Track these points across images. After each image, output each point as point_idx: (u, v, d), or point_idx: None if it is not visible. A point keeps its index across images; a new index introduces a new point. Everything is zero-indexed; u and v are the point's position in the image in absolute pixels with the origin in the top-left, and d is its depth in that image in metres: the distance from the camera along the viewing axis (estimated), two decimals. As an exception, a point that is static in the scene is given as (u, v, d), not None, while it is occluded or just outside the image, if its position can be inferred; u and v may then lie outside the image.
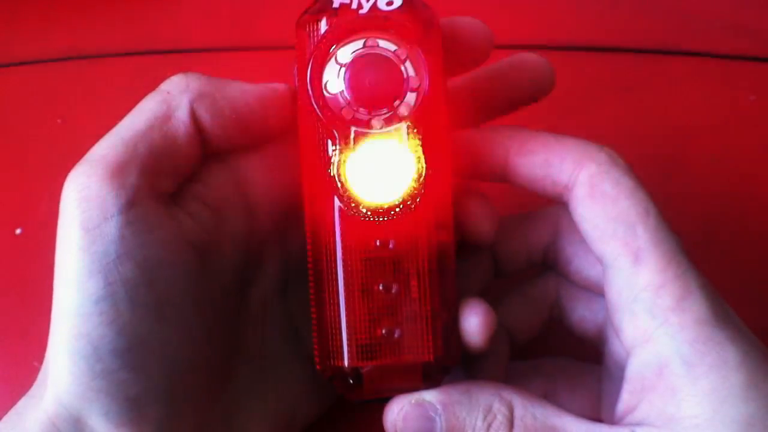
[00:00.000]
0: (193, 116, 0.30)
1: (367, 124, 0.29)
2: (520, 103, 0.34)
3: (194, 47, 0.48)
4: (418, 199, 0.29)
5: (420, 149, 0.29)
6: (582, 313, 0.35)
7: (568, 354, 0.36)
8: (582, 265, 0.34)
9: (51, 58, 0.47)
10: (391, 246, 0.30)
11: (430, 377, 0.31)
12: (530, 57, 0.33)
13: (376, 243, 0.30)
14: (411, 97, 0.29)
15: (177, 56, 0.47)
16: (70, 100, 0.46)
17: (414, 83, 0.29)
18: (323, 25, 0.29)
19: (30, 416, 0.28)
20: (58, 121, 0.45)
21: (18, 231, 0.42)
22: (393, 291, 0.30)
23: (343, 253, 0.30)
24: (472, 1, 0.47)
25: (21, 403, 0.30)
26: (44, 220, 0.42)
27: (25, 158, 0.45)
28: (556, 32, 0.48)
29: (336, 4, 0.29)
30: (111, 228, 0.27)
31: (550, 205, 0.34)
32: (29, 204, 0.43)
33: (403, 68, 0.29)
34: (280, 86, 0.31)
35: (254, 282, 0.33)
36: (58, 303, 0.28)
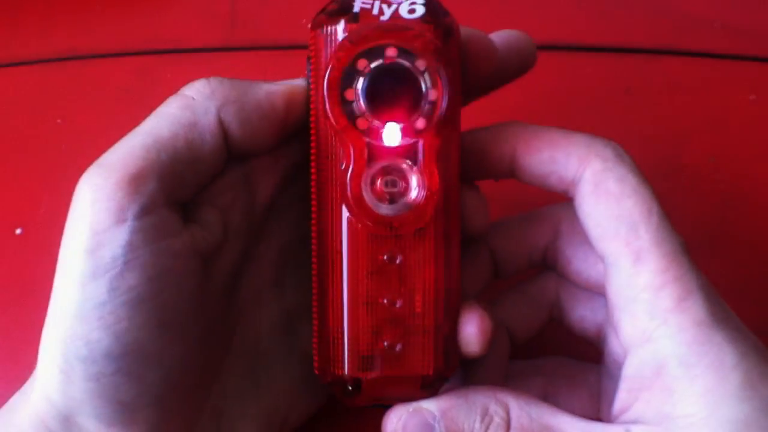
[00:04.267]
0: (220, 124, 0.29)
1: (382, 136, 0.28)
2: (506, 79, 0.33)
3: (195, 47, 0.47)
4: (428, 216, 0.29)
5: (434, 164, 0.28)
6: (582, 313, 0.35)
7: (567, 353, 0.36)
8: (582, 265, 0.34)
9: (51, 58, 0.47)
10: (398, 261, 0.29)
11: (428, 387, 0.30)
12: (512, 34, 0.32)
13: (383, 258, 0.29)
14: (428, 111, 0.28)
15: (177, 56, 0.47)
16: (70, 100, 0.46)
17: (432, 97, 0.28)
18: (341, 29, 0.28)
19: (22, 412, 0.28)
20: (58, 121, 0.45)
21: (18, 231, 0.42)
22: (397, 305, 0.29)
23: (350, 266, 0.29)
24: (473, 1, 0.48)
25: (14, 399, 0.30)
26: (44, 220, 0.42)
27: (25, 158, 0.45)
28: (556, 32, 0.48)
29: (356, 9, 0.28)
30: (122, 233, 0.27)
31: (551, 204, 0.34)
32: (29, 204, 0.43)
33: (421, 81, 0.28)
34: (300, 83, 0.31)
35: (248, 278, 0.33)
36: (56, 302, 0.28)
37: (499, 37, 0.32)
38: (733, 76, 0.46)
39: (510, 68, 0.33)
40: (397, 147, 0.28)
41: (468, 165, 0.32)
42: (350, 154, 0.28)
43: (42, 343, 0.28)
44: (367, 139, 0.28)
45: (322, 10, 0.29)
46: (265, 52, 0.47)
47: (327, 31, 0.29)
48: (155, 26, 0.49)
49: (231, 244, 0.31)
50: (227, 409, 0.32)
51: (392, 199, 0.29)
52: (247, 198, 0.31)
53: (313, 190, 0.30)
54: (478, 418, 0.30)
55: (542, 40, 0.47)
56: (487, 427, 0.29)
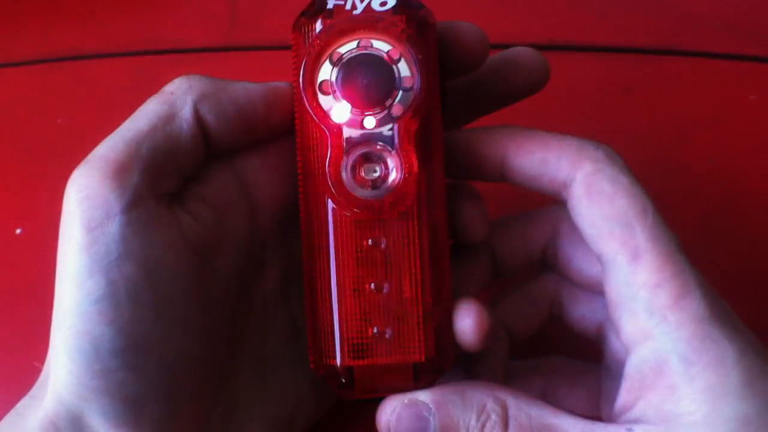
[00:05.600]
0: (197, 116, 0.30)
1: (360, 125, 0.29)
2: (515, 98, 0.34)
3: (194, 47, 0.48)
4: (410, 199, 0.29)
5: (412, 149, 0.29)
6: (581, 312, 0.35)
7: (567, 353, 0.36)
8: (581, 264, 0.34)
9: (51, 58, 0.47)
10: (383, 245, 0.30)
11: (422, 377, 0.31)
12: (523, 51, 0.33)
13: (368, 242, 0.30)
14: (404, 97, 0.29)
15: (177, 56, 0.47)
16: (70, 100, 0.46)
17: (407, 83, 0.29)
18: (318, 26, 0.29)
19: (31, 416, 0.28)
20: (58, 121, 0.45)
21: (18, 231, 0.42)
22: (385, 290, 0.30)
23: (336, 252, 0.30)
24: (473, 1, 0.48)
25: (22, 404, 0.30)
26: (44, 220, 0.42)
27: (25, 158, 0.45)
28: (556, 32, 0.48)
29: (330, 5, 0.30)
30: (113, 227, 0.27)
31: (549, 204, 0.34)
32: (29, 204, 0.43)
33: (395, 68, 0.29)
34: (282, 84, 0.31)
35: (256, 282, 0.33)
36: (59, 302, 0.28)
37: (506, 53, 0.33)
38: (733, 76, 0.46)
39: (517, 84, 0.33)
40: (375, 133, 0.29)
41: (457, 166, 0.32)
42: (329, 143, 0.29)
43: (50, 346, 0.29)
44: (345, 127, 0.29)
45: (302, 13, 0.30)
46: (265, 52, 0.47)
47: (305, 30, 0.30)
48: (155, 26, 0.49)
49: (231, 246, 0.31)
50: (236, 412, 0.32)
51: (374, 185, 0.29)
52: (245, 202, 0.32)
53: (299, 182, 0.31)
54: (475, 415, 0.30)
55: (542, 40, 0.47)
56: (483, 425, 0.29)
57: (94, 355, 0.27)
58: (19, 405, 0.30)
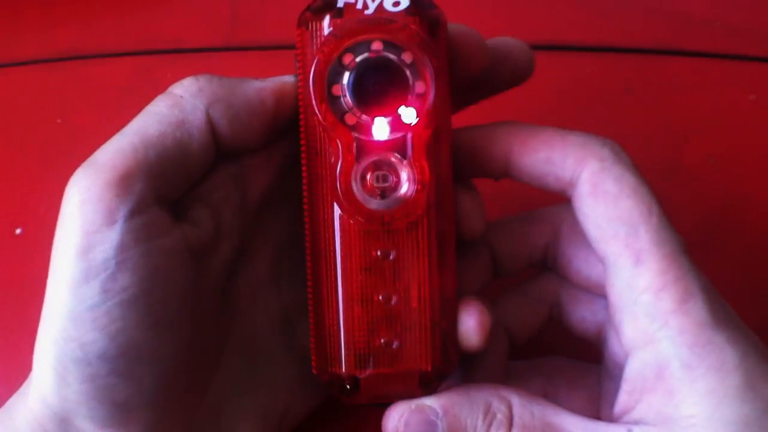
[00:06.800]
0: (209, 122, 0.29)
1: (371, 131, 0.28)
2: (499, 88, 0.33)
3: (195, 47, 0.48)
4: (420, 210, 0.29)
5: (424, 158, 0.28)
6: (582, 314, 0.35)
7: (567, 354, 0.36)
8: (582, 266, 0.33)
9: (51, 58, 0.47)
10: (391, 257, 0.29)
11: (426, 384, 0.30)
12: (507, 41, 0.32)
13: (377, 253, 0.29)
14: (416, 104, 0.28)
15: (177, 56, 0.47)
16: (70, 100, 0.46)
17: (419, 89, 0.28)
18: (326, 25, 0.28)
19: (19, 414, 0.28)
20: (58, 121, 0.45)
21: (18, 231, 0.42)
22: (392, 301, 0.29)
23: (343, 263, 0.29)
24: (473, 1, 0.48)
25: (12, 401, 0.30)
26: (44, 220, 0.42)
27: (25, 158, 0.45)
28: (556, 32, 0.48)
29: (340, 4, 0.28)
30: (113, 234, 0.27)
31: (551, 205, 0.34)
32: (29, 204, 0.43)
33: (408, 74, 0.28)
34: (289, 79, 0.31)
35: (243, 271, 0.33)
36: (50, 304, 0.28)
37: (493, 43, 0.32)
38: (733, 76, 0.46)
39: (503, 76, 0.32)
40: (386, 141, 0.28)
41: (462, 164, 0.32)
42: (339, 150, 0.28)
43: (37, 346, 0.28)
44: (356, 134, 0.28)
45: (308, 8, 0.29)
46: (265, 52, 0.47)
47: (312, 27, 0.29)
48: (155, 26, 0.49)
49: (224, 243, 0.31)
50: (225, 406, 0.32)
51: (383, 194, 0.29)
52: (238, 196, 0.31)
53: (304, 187, 0.30)
54: (481, 415, 0.30)
55: (542, 40, 0.47)
56: (490, 424, 0.29)
57: (84, 360, 0.27)
58: (9, 402, 0.30)
